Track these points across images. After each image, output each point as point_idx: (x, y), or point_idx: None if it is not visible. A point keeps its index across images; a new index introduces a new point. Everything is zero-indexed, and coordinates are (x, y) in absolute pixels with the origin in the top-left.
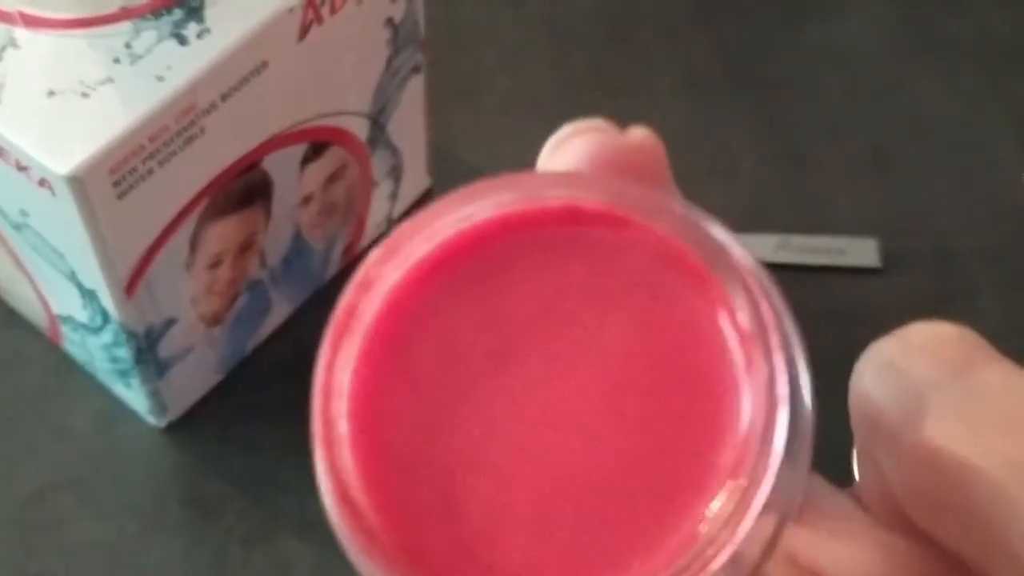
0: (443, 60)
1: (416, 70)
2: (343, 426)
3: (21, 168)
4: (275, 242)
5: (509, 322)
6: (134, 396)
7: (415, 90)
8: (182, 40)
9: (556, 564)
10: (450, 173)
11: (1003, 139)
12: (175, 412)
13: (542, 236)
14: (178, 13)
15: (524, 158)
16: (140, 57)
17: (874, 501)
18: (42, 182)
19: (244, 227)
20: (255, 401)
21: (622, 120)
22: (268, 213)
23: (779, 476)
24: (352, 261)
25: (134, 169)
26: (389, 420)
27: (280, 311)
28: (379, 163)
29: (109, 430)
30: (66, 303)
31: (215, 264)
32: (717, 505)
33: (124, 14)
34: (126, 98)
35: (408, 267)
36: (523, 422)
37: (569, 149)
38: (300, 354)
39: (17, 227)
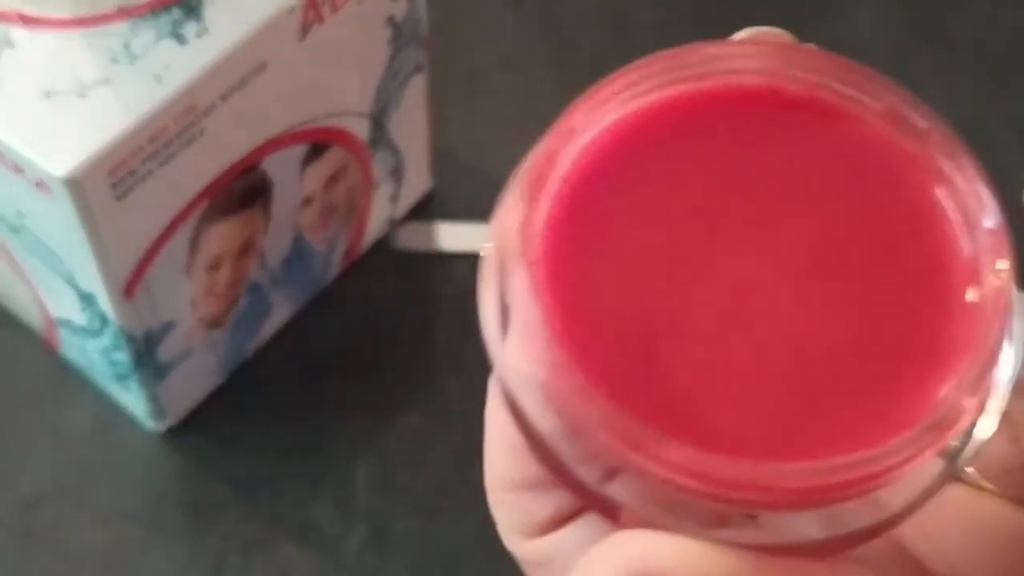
0: (443, 60)
1: (418, 70)
2: (539, 273)
3: (18, 170)
4: (275, 244)
5: (712, 188)
6: (133, 400)
7: (416, 90)
8: (181, 40)
9: (762, 432)
10: (451, 174)
11: (1006, 140)
12: (174, 416)
13: (742, 112)
14: (176, 12)
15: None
16: (138, 57)
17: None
18: (39, 184)
19: (244, 229)
20: (255, 405)
21: None
22: (268, 214)
23: (1004, 350)
24: (353, 263)
25: (133, 171)
26: (584, 271)
27: (280, 313)
28: (380, 164)
29: (107, 435)
30: (64, 306)
31: (215, 266)
32: (958, 374)
33: (122, 13)
34: (124, 99)
35: (609, 123)
36: (727, 290)
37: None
38: (301, 357)
39: (14, 229)
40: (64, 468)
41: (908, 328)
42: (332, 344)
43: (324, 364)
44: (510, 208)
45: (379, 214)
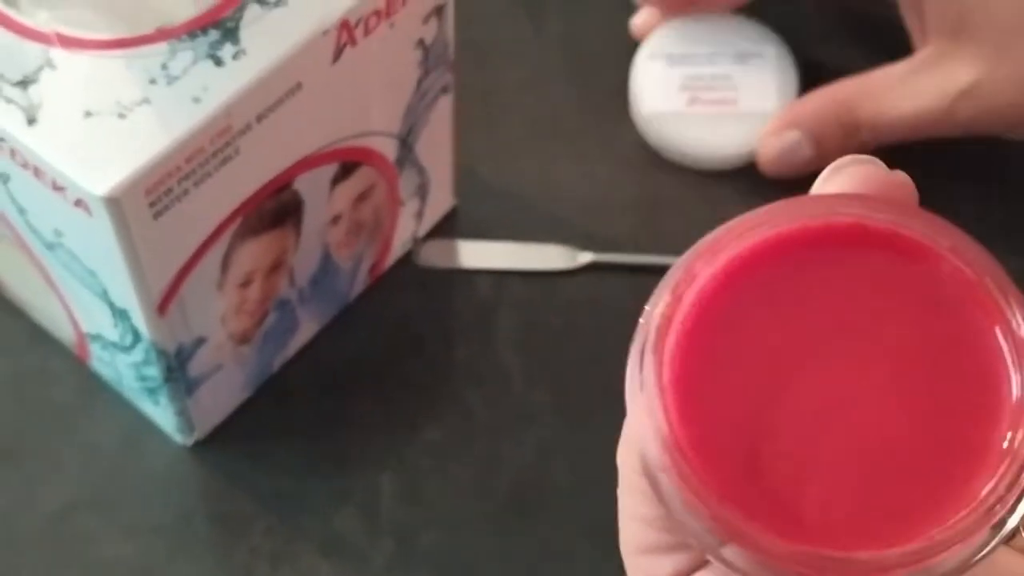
0: (466, 81)
1: (444, 91)
2: (668, 386)
3: (57, 188)
4: (304, 261)
5: (811, 311)
6: (162, 414)
7: (443, 111)
8: (218, 61)
9: (847, 521)
10: (474, 192)
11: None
12: (202, 430)
13: (835, 247)
14: (214, 34)
15: (547, 177)
16: (176, 78)
17: None
18: (78, 202)
19: (275, 246)
20: (281, 419)
21: None
22: (298, 232)
23: None
24: (378, 280)
25: (170, 190)
26: (703, 375)
27: (307, 329)
28: (406, 182)
29: (135, 448)
30: (96, 321)
31: (246, 283)
32: (999, 472)
33: (160, 35)
34: (163, 119)
35: (721, 264)
36: (819, 399)
37: (846, 175)
38: (326, 372)
39: (50, 246)
40: (93, 481)
41: (964, 433)
42: (356, 359)
43: (348, 378)
44: (657, 301)
45: (404, 231)
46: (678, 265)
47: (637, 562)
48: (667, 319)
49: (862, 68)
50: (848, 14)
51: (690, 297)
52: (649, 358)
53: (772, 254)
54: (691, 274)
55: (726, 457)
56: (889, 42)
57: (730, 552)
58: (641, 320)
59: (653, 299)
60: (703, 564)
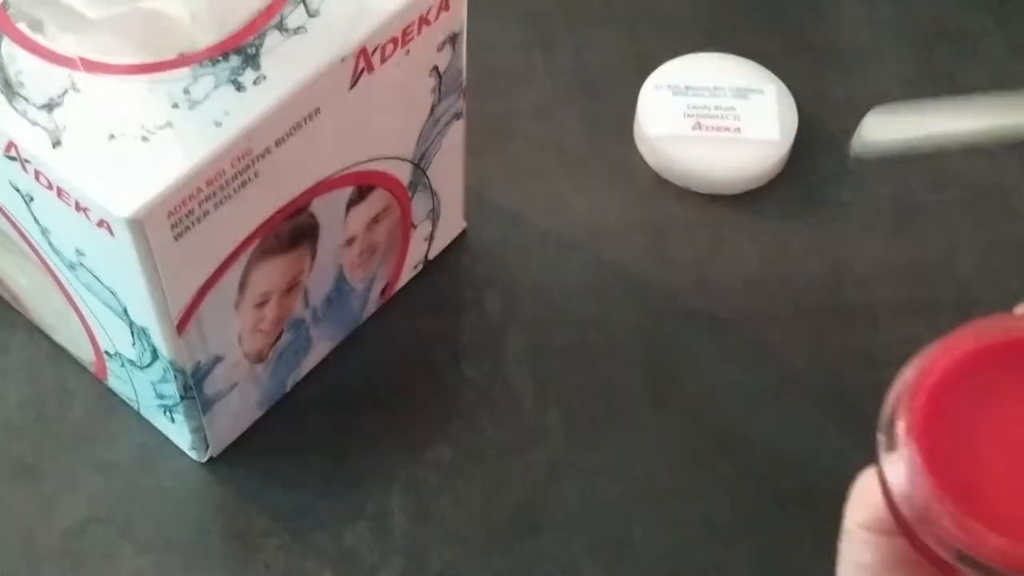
0: (478, 107)
1: (457, 116)
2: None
3: (80, 209)
4: (319, 282)
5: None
6: (177, 431)
7: (455, 136)
8: (239, 86)
9: None
10: (484, 216)
11: (1019, 186)
12: (217, 448)
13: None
14: (235, 60)
15: (554, 201)
16: (198, 103)
17: None
18: (101, 223)
19: (291, 267)
20: (294, 437)
21: None
22: (314, 254)
23: None
24: (389, 301)
25: (191, 211)
26: (943, 432)
27: (320, 349)
28: (419, 206)
29: (151, 465)
30: (116, 340)
31: (262, 303)
32: None
33: (183, 60)
34: (185, 142)
35: (956, 357)
36: None
37: None
38: (338, 391)
39: (71, 266)
40: (109, 497)
41: None
42: (367, 378)
43: (360, 397)
44: (906, 376)
45: (416, 253)
46: (912, 368)
47: None
48: (913, 390)
49: (856, 100)
50: (833, 49)
51: (930, 380)
52: (903, 414)
53: (984, 361)
54: (933, 357)
55: (970, 488)
56: (876, 75)
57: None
58: (890, 394)
59: (898, 379)
60: None
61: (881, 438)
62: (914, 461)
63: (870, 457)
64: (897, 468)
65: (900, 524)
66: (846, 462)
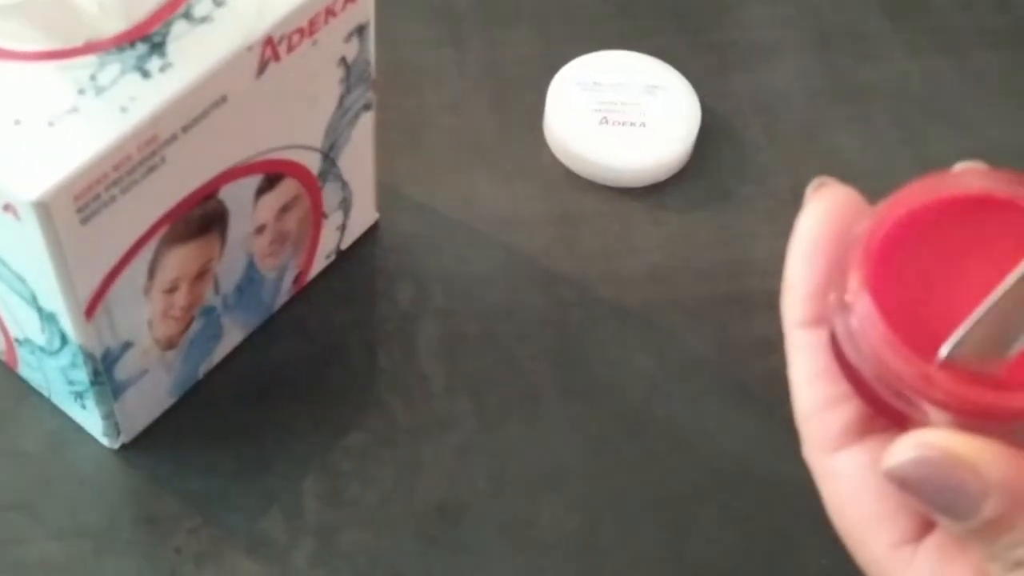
0: (389, 101)
1: (367, 108)
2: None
3: None
4: (229, 270)
5: (960, 249)
6: (88, 418)
7: (365, 127)
8: (145, 73)
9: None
10: (396, 208)
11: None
12: (129, 434)
13: (973, 206)
14: (141, 47)
15: (466, 194)
16: (104, 89)
17: None
18: (7, 207)
19: (201, 254)
20: (207, 424)
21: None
22: (224, 241)
23: None
24: (302, 290)
25: (97, 196)
26: (895, 272)
27: (232, 337)
28: (330, 196)
29: (63, 451)
30: (25, 326)
31: (172, 289)
32: None
33: (89, 48)
34: (91, 127)
35: (902, 214)
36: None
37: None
38: (251, 379)
39: None
40: (20, 484)
41: None
42: (281, 366)
43: (273, 385)
44: (857, 233)
45: (327, 243)
46: (872, 212)
47: (808, 426)
48: (866, 243)
49: (757, 97)
50: (736, 48)
51: (879, 234)
52: (856, 261)
53: (926, 214)
54: (891, 208)
55: (914, 329)
56: (777, 73)
57: (904, 404)
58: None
59: (865, 219)
60: (868, 416)
61: (832, 296)
62: (867, 310)
63: (771, 437)
64: (848, 321)
65: (851, 378)
66: (748, 443)
